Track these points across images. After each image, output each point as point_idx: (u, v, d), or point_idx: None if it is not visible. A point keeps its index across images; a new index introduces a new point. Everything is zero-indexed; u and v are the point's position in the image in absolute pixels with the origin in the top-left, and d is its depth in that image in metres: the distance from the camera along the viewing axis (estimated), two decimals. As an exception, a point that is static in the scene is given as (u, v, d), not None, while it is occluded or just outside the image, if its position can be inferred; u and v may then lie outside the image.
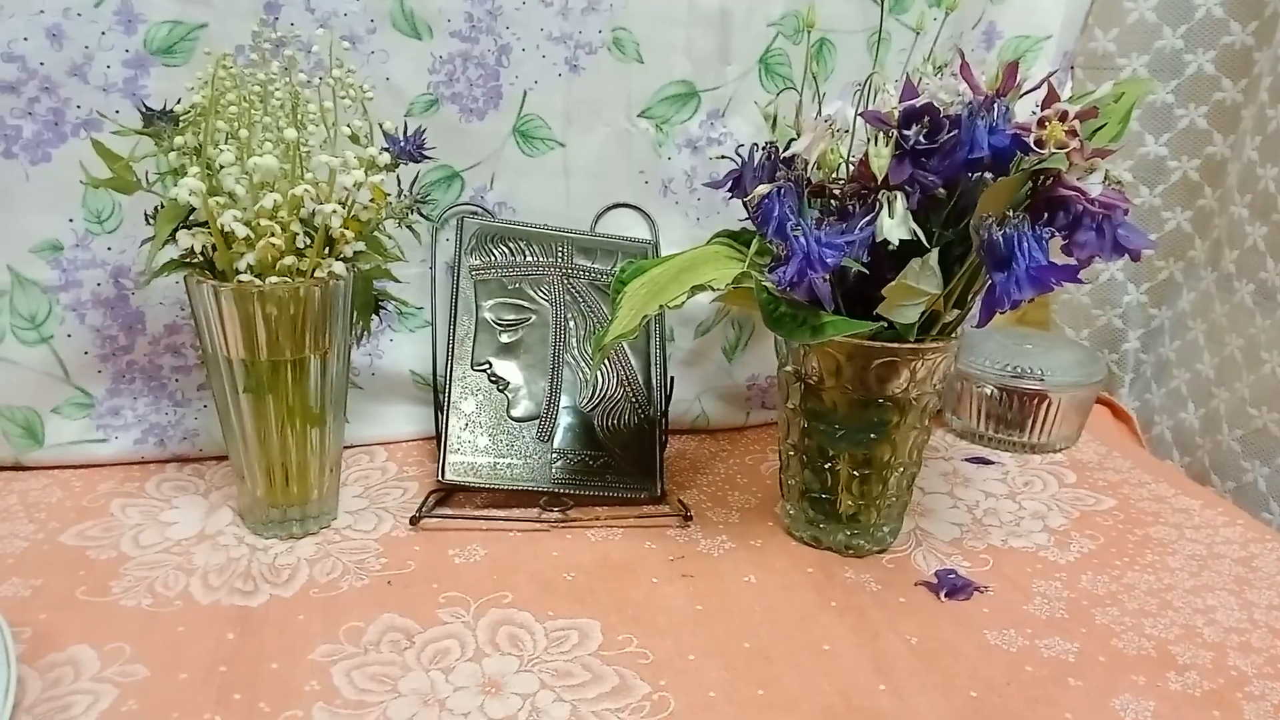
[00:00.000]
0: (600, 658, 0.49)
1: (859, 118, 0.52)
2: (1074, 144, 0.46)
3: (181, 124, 0.53)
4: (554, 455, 0.65)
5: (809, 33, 0.59)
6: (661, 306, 0.52)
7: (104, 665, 0.47)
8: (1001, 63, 0.48)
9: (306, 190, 0.52)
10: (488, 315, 0.68)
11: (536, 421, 0.65)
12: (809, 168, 0.53)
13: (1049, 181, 0.49)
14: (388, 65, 0.64)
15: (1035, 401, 0.75)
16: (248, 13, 0.60)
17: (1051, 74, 0.49)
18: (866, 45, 0.70)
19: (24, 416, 0.64)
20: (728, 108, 0.70)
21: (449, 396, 0.65)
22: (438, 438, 0.64)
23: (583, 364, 0.68)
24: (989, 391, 0.76)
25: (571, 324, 0.69)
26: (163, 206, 0.54)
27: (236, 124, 0.52)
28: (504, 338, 0.67)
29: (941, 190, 0.49)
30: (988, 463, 0.74)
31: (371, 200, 0.56)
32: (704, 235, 0.64)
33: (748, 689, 0.48)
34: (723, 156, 0.63)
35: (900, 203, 0.49)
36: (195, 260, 0.54)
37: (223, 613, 0.52)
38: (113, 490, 0.63)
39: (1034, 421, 0.75)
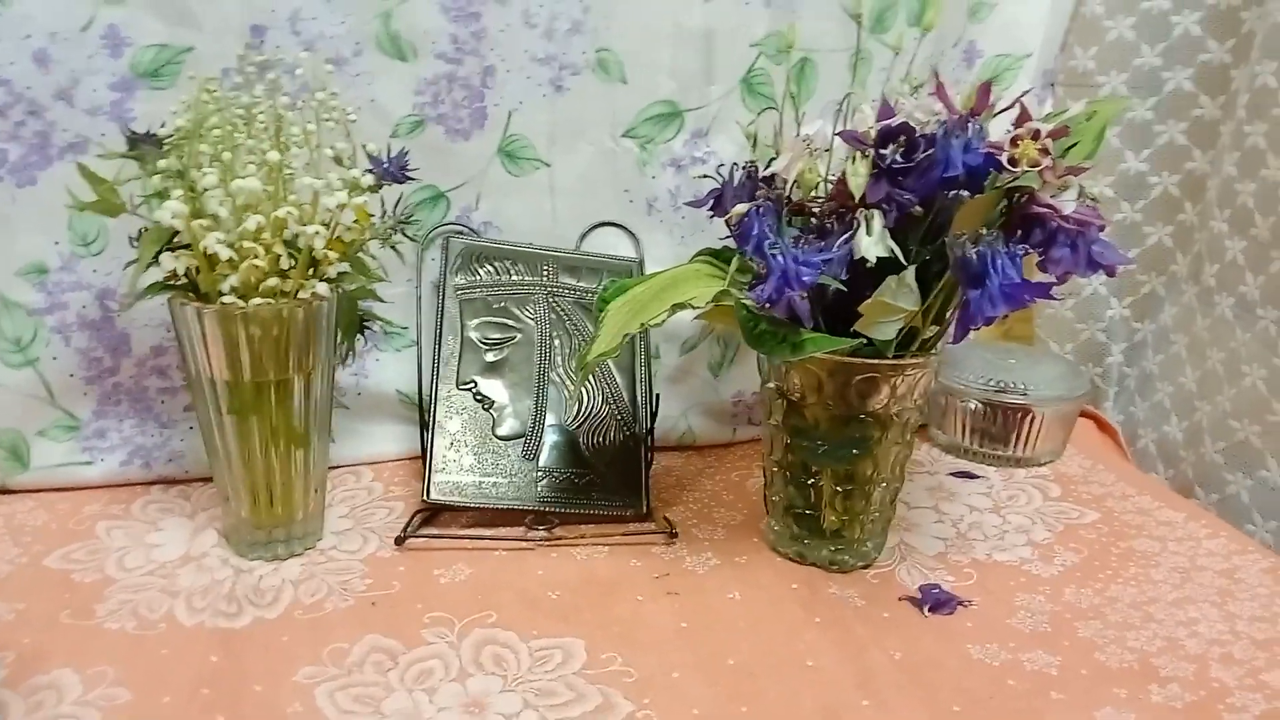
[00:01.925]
0: (584, 676, 0.49)
1: (837, 137, 0.52)
2: (1046, 162, 0.46)
3: (165, 147, 0.53)
4: (539, 474, 0.65)
5: (790, 52, 0.60)
6: (643, 325, 0.52)
7: (87, 689, 0.47)
8: (975, 82, 0.49)
9: (290, 212, 0.52)
10: (473, 334, 0.68)
11: (522, 440, 0.66)
12: (788, 186, 0.53)
13: (1023, 199, 0.49)
14: (373, 87, 0.65)
15: (1019, 416, 0.75)
16: (234, 36, 0.61)
17: (1025, 93, 0.49)
18: (848, 65, 0.70)
19: (9, 439, 0.64)
20: (711, 127, 0.71)
21: (434, 416, 0.65)
22: (423, 457, 0.64)
23: (568, 382, 0.68)
24: (973, 406, 0.76)
25: (557, 342, 0.69)
26: (147, 229, 0.54)
27: (220, 147, 0.52)
28: (489, 357, 0.68)
29: (918, 208, 0.50)
30: (972, 477, 0.74)
31: (355, 221, 0.56)
32: (689, 253, 0.64)
33: (732, 706, 0.48)
34: (705, 176, 0.63)
35: (878, 221, 0.49)
36: (179, 282, 0.54)
37: (206, 635, 0.52)
38: (98, 512, 0.63)
39: (1018, 435, 0.76)
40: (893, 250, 0.50)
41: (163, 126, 0.55)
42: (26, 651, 0.49)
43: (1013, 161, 0.47)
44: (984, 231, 0.47)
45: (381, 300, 0.63)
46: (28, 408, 0.64)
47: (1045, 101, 0.80)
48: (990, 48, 0.76)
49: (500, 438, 0.65)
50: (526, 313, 0.69)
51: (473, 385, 0.67)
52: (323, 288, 0.55)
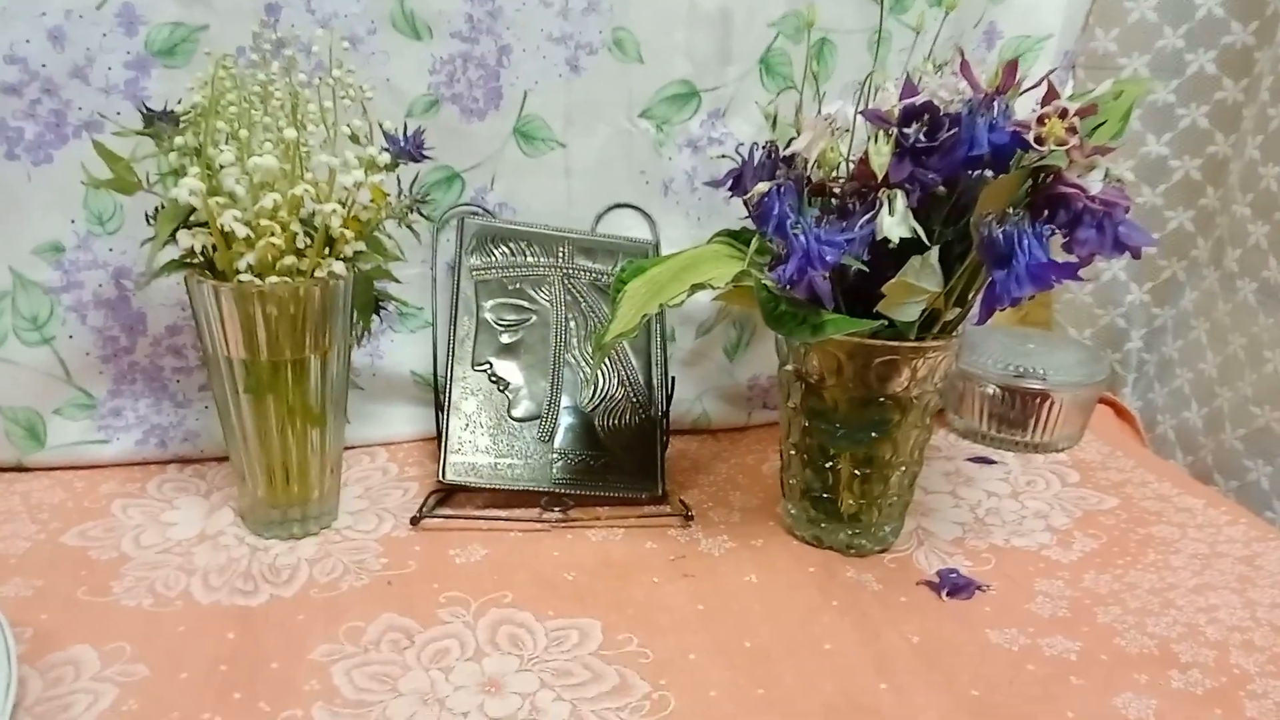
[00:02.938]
0: (601, 657, 0.49)
1: (859, 116, 0.52)
2: (1074, 141, 0.46)
3: (182, 124, 0.53)
4: (555, 455, 0.65)
5: (809, 32, 0.59)
6: (661, 305, 0.52)
7: (104, 665, 0.47)
8: (1001, 61, 0.48)
9: (306, 190, 0.52)
10: (488, 315, 0.68)
11: (537, 422, 0.65)
12: (809, 166, 0.53)
13: (1049, 179, 0.48)
14: (388, 66, 0.64)
15: (1038, 401, 0.75)
16: (249, 14, 0.60)
17: (1051, 72, 0.49)
18: (867, 45, 0.70)
19: (26, 417, 0.64)
20: (728, 108, 0.70)
21: (450, 397, 0.65)
22: (438, 438, 0.64)
23: (583, 364, 0.68)
24: (991, 391, 0.76)
25: (572, 324, 0.69)
26: (163, 207, 0.54)
27: (236, 124, 0.52)
28: (505, 338, 0.67)
29: (942, 188, 0.49)
30: (990, 462, 0.74)
31: (371, 200, 0.56)
32: (705, 235, 0.64)
33: (749, 688, 0.48)
34: (723, 156, 0.63)
35: (900, 201, 0.49)
36: (196, 260, 0.54)
37: (223, 613, 0.52)
38: (114, 491, 0.63)
39: (1036, 421, 0.75)
40: (915, 230, 0.49)
41: (179, 104, 0.54)
42: (44, 628, 0.49)
43: (1039, 140, 0.46)
44: (1010, 211, 0.47)
45: (397, 280, 0.63)
46: (44, 386, 0.64)
47: (1066, 83, 0.79)
48: (1011, 28, 0.75)
49: (515, 419, 0.65)
50: (542, 294, 0.69)
51: (488, 366, 0.66)
52: (339, 266, 0.54)
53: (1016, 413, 0.75)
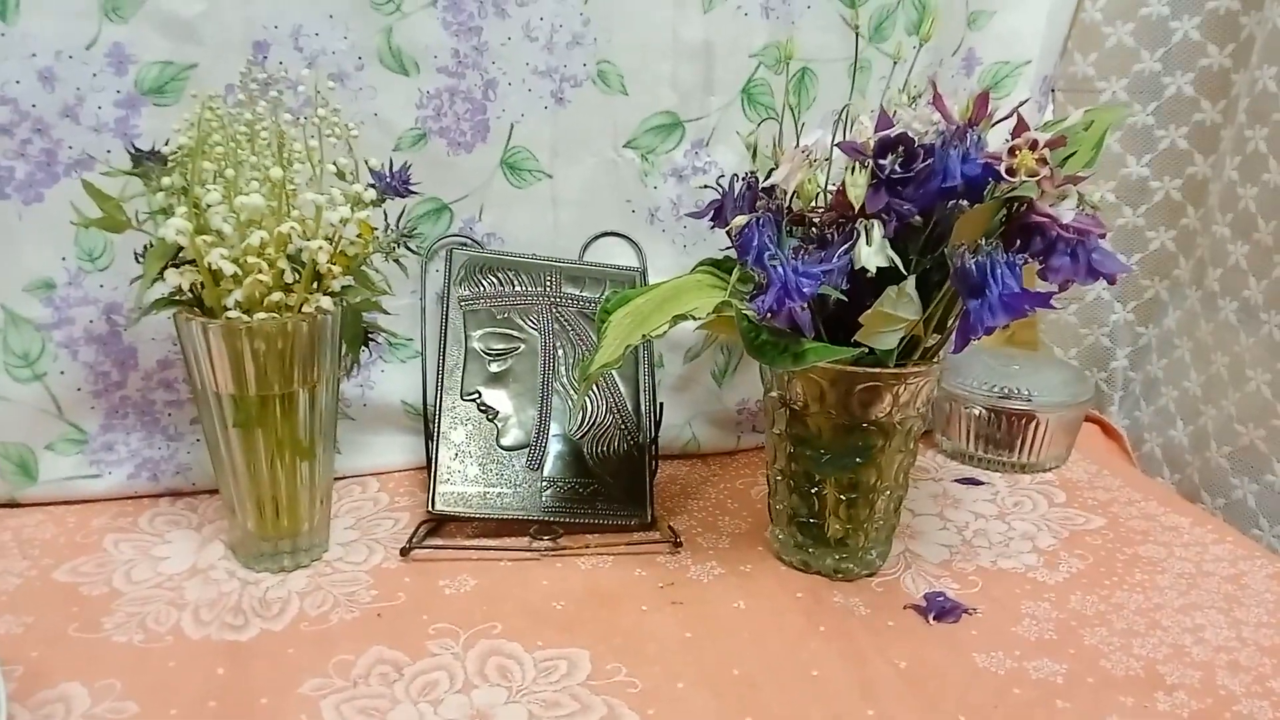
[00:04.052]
0: (589, 687, 0.50)
1: (836, 147, 0.52)
2: (1044, 172, 0.47)
3: (169, 164, 0.54)
4: (544, 483, 0.65)
5: (788, 65, 0.60)
6: (644, 336, 0.53)
7: (94, 702, 0.47)
8: (972, 93, 0.49)
9: (293, 227, 0.52)
10: (477, 345, 0.68)
11: (526, 450, 0.66)
12: (788, 197, 0.54)
13: (1022, 209, 0.49)
14: (376, 101, 0.65)
15: (1024, 421, 0.75)
16: (237, 51, 0.61)
17: (1022, 103, 0.49)
18: (848, 74, 0.71)
19: (18, 453, 0.65)
20: (712, 137, 0.71)
21: (439, 426, 0.65)
22: (428, 468, 0.64)
23: (572, 392, 0.68)
24: (977, 412, 0.76)
25: (560, 352, 0.69)
26: (152, 245, 0.54)
27: (223, 163, 0.53)
28: (493, 367, 0.68)
29: (917, 218, 0.50)
30: (977, 483, 0.74)
31: (358, 236, 0.56)
32: (691, 261, 0.65)
33: (736, 716, 0.48)
34: (706, 186, 0.63)
35: (877, 231, 0.49)
36: (184, 298, 0.55)
37: (213, 647, 0.52)
38: (106, 525, 0.64)
39: (1023, 441, 0.76)
40: (893, 260, 0.50)
41: (166, 144, 0.55)
42: (35, 665, 0.50)
43: (1011, 171, 0.47)
44: (983, 241, 0.47)
45: (386, 312, 0.64)
46: (36, 421, 0.64)
47: (1046, 108, 0.80)
48: (989, 55, 0.76)
49: (505, 448, 0.66)
50: (530, 323, 0.70)
51: (477, 396, 0.67)
52: (326, 301, 0.55)
53: (1003, 434, 0.76)
